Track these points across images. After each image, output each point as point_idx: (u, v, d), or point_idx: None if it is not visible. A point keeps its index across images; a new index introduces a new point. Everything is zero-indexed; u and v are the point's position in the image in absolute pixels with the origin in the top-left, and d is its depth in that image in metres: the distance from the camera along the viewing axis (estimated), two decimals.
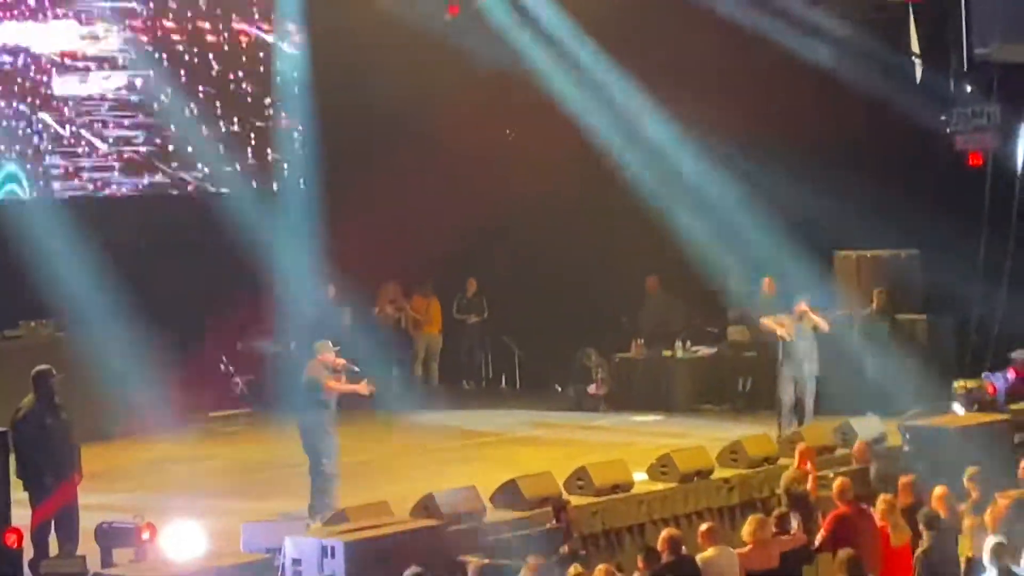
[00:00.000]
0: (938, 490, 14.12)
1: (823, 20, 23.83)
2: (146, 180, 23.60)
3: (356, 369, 16.42)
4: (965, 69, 22.97)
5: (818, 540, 13.76)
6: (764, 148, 22.94)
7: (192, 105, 23.86)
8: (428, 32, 23.41)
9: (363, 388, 16.19)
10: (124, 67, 23.29)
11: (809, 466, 15.56)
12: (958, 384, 20.06)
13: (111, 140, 23.25)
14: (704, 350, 22.89)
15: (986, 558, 11.14)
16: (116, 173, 23.34)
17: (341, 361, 16.22)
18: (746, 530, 13.41)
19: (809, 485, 15.11)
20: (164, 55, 23.58)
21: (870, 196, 22.29)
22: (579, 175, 23.70)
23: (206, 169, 24.17)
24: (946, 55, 23.35)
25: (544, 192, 23.61)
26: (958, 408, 18.43)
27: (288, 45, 24.97)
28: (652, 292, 23.99)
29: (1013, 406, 19.68)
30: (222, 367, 23.56)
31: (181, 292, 22.40)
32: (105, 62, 23.12)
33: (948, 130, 22.99)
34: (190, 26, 23.89)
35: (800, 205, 22.85)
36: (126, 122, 23.39)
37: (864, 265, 21.73)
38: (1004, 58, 22.30)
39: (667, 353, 22.62)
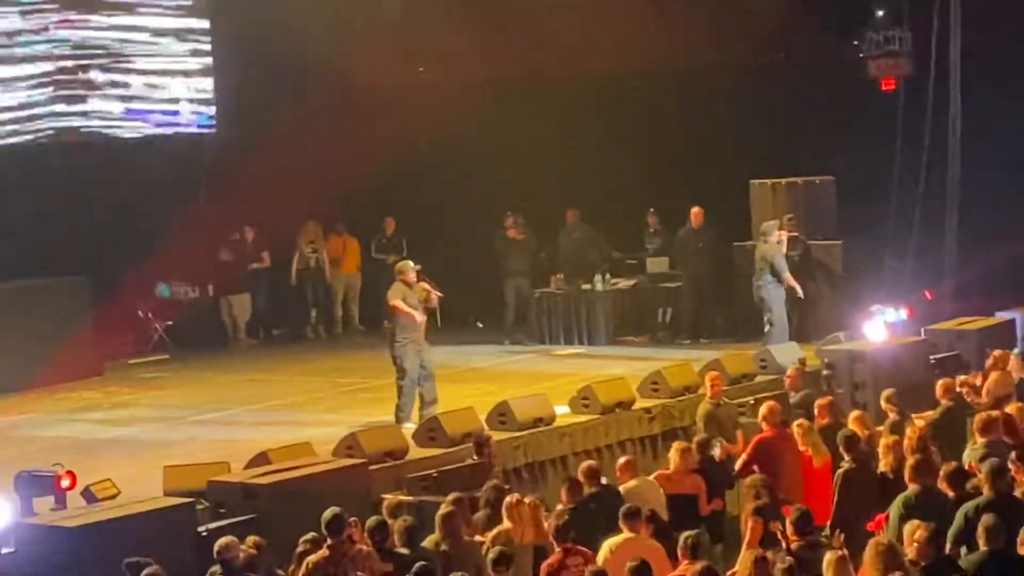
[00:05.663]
0: (855, 412, 14.31)
1: None
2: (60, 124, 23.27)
3: (440, 293, 16.84)
4: None
5: (739, 464, 13.88)
6: (674, 76, 22.98)
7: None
8: None
9: (419, 314, 16.68)
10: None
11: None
12: (875, 308, 20.22)
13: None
14: (624, 282, 22.92)
15: (908, 476, 11.32)
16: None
17: (423, 284, 16.86)
18: (671, 457, 13.55)
19: None
20: None
21: (785, 123, 22.40)
22: (495, 110, 23.63)
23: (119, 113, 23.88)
24: None
25: (460, 129, 23.48)
26: (874, 331, 18.54)
27: None
28: (572, 225, 23.94)
29: (929, 327, 19.89)
30: (140, 313, 23.35)
31: (97, 239, 22.29)
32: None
33: (860, 55, 23.09)
34: None
35: (713, 134, 22.92)
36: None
37: (779, 193, 21.77)
38: None
39: (586, 287, 22.63)
